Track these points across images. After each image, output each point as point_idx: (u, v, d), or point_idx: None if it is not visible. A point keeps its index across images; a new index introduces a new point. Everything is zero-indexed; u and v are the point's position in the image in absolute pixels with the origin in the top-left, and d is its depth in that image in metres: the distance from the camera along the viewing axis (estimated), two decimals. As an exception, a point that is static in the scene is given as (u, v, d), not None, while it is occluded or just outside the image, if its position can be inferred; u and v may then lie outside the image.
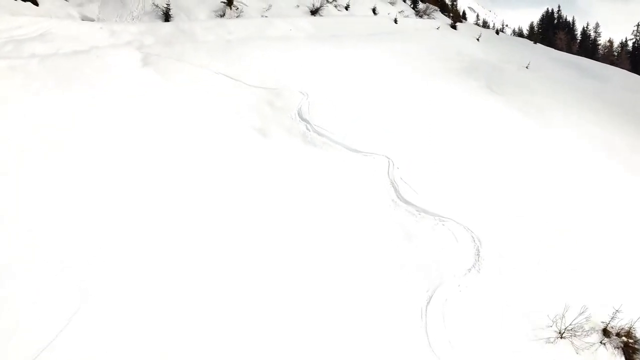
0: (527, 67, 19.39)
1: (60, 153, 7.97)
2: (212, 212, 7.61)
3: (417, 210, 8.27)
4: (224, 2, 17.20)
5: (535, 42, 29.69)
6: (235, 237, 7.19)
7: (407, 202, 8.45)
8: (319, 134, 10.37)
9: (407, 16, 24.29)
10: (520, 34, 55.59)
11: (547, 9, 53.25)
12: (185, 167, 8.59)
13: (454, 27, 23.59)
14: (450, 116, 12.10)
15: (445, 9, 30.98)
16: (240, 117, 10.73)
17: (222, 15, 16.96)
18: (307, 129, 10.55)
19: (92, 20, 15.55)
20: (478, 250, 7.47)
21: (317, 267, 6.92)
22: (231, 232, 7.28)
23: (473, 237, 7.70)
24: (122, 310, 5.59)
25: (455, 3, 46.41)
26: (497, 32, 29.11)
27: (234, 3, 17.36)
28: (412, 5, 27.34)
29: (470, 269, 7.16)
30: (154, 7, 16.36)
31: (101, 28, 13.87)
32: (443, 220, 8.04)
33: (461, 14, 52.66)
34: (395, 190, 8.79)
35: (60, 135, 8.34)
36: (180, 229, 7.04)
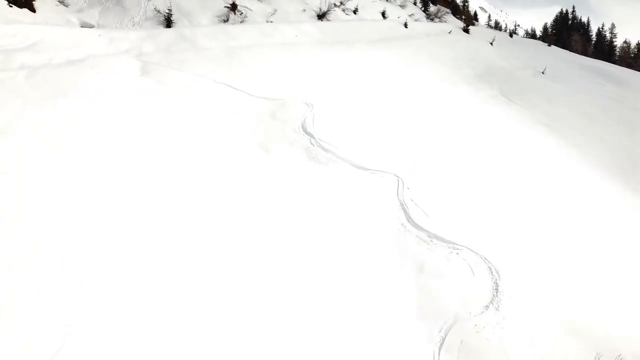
0: (543, 73, 18.59)
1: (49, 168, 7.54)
2: (207, 228, 7.20)
3: (429, 237, 7.59)
4: (227, 7, 16.64)
5: (549, 45, 28.77)
6: (230, 258, 6.68)
7: (418, 227, 7.77)
8: (323, 149, 9.73)
9: (417, 20, 23.54)
10: (533, 35, 54.47)
11: (562, 9, 52.08)
12: (183, 181, 8.17)
13: (466, 30, 22.78)
14: (464, 128, 11.39)
15: (457, 12, 30.16)
16: (240, 129, 10.17)
17: (226, 21, 16.41)
18: (311, 143, 9.92)
19: (92, 26, 15.10)
20: (496, 284, 6.77)
21: (317, 300, 6.31)
22: (226, 252, 6.78)
23: (491, 269, 7.00)
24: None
25: (467, 4, 45.54)
26: (510, 35, 28.26)
27: (238, 8, 16.80)
28: (422, 8, 26.53)
29: (487, 306, 6.46)
30: (156, 12, 15.86)
31: (99, 35, 13.39)
32: (457, 249, 7.35)
33: (472, 14, 51.77)
34: (405, 213, 8.12)
35: (43, 155, 7.86)
36: (176, 232, 6.94)
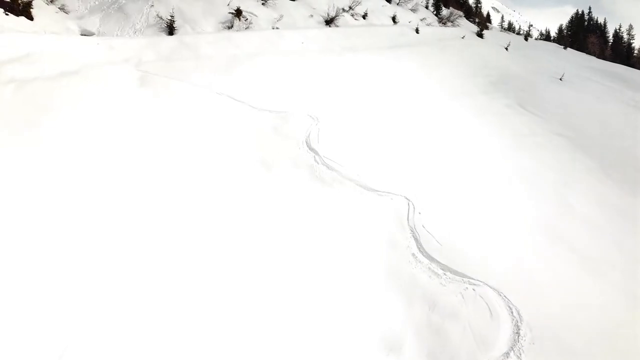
0: (560, 79, 17.78)
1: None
2: (204, 249, 6.90)
3: (442, 269, 6.93)
4: (232, 13, 16.09)
5: (565, 47, 27.93)
6: (226, 284, 6.32)
7: (430, 258, 7.11)
8: (328, 167, 9.12)
9: (429, 24, 22.77)
10: (547, 37, 53.37)
11: (577, 10, 50.82)
12: (181, 198, 7.82)
13: (480, 35, 21.97)
14: (478, 143, 10.68)
15: (470, 14, 29.33)
16: (242, 145, 9.64)
17: (230, 27, 15.87)
18: (316, 160, 9.32)
19: (92, 34, 14.67)
20: (517, 326, 6.08)
21: (315, 340, 5.73)
22: (223, 277, 6.43)
23: (511, 309, 6.31)
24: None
25: (479, 6, 44.64)
26: (525, 38, 27.36)
27: (243, 14, 16.24)
28: (434, 12, 25.72)
29: (508, 353, 5.77)
30: (158, 19, 15.36)
31: (98, 44, 12.92)
32: (473, 284, 6.67)
33: (485, 15, 50.80)
34: (417, 241, 7.46)
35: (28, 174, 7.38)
36: (173, 249, 6.82)
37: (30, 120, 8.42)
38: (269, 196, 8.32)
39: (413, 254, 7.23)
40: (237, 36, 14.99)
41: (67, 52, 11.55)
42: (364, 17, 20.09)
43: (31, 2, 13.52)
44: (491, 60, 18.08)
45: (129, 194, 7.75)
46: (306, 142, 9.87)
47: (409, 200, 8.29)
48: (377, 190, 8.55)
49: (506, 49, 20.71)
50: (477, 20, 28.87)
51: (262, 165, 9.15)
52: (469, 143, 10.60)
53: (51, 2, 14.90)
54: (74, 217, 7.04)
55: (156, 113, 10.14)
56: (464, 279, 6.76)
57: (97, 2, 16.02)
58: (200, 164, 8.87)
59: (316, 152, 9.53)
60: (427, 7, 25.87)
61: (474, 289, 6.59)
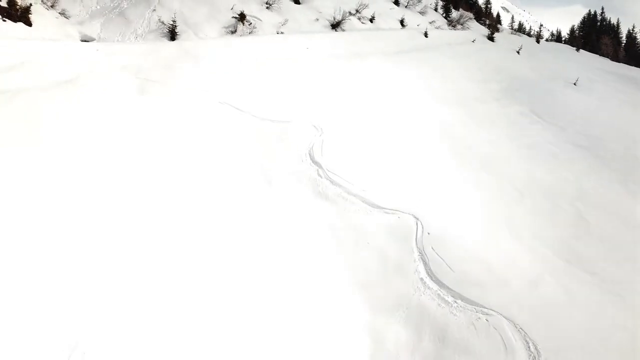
0: (575, 84, 17.16)
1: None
2: (198, 270, 6.60)
3: (452, 297, 6.46)
4: (235, 18, 15.69)
5: (578, 49, 27.22)
6: (220, 313, 5.97)
7: (440, 284, 6.65)
8: (332, 182, 8.68)
9: (438, 27, 22.21)
10: (558, 37, 52.43)
11: (589, 10, 49.80)
12: (179, 215, 7.52)
13: (491, 38, 21.37)
14: (491, 156, 10.17)
15: (480, 16, 28.70)
16: (243, 157, 9.27)
17: (234, 32, 15.48)
18: (319, 174, 8.88)
19: (93, 39, 14.35)
20: (535, 363, 5.62)
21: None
22: (220, 292, 6.25)
23: (527, 343, 5.83)
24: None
25: (489, 6, 43.95)
26: (537, 40, 26.69)
27: (247, 18, 15.84)
28: (444, 15, 25.13)
29: (525, 394, 5.33)
30: (160, 24, 15.01)
31: (97, 50, 12.55)
32: (486, 314, 6.20)
33: (495, 16, 49.99)
34: (425, 264, 7.00)
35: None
36: (169, 268, 6.57)
37: (23, 132, 8.08)
38: (269, 212, 7.94)
39: (421, 279, 6.77)
40: (240, 42, 14.59)
41: (64, 60, 11.19)
42: (371, 20, 19.57)
43: (30, 7, 13.23)
44: (503, 64, 17.51)
45: (131, 203, 7.49)
46: (309, 154, 9.44)
47: (417, 219, 7.82)
48: (383, 208, 8.10)
49: (518, 52, 20.13)
50: (487, 22, 28.19)
51: (263, 178, 8.78)
52: (481, 155, 10.10)
53: (51, 7, 14.60)
54: (76, 228, 6.80)
55: (155, 122, 9.78)
56: (475, 307, 6.29)
57: (98, 7, 15.70)
58: (200, 177, 8.52)
59: (320, 166, 9.10)
60: (436, 10, 25.27)
61: (486, 319, 6.12)
